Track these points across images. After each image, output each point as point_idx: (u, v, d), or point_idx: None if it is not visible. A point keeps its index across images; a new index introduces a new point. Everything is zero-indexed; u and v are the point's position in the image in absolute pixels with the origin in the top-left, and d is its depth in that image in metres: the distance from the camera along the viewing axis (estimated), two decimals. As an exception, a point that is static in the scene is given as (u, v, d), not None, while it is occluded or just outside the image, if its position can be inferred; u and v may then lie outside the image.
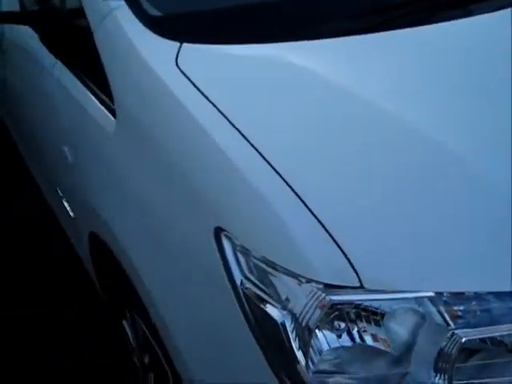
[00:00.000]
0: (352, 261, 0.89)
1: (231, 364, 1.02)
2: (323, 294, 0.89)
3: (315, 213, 0.92)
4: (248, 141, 0.99)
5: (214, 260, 0.98)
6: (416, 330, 0.90)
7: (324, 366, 0.92)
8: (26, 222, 2.53)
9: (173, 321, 1.12)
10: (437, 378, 0.90)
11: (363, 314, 0.91)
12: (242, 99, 1.08)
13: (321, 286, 0.89)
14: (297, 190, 0.94)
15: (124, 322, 1.68)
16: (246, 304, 0.95)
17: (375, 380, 0.92)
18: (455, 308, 0.90)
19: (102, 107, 1.33)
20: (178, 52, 1.16)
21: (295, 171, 0.97)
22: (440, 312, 0.89)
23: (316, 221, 0.91)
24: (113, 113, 1.28)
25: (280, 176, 0.96)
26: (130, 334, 1.65)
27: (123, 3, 1.26)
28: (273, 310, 0.93)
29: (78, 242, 1.95)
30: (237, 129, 1.02)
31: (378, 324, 0.90)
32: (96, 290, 1.87)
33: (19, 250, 2.40)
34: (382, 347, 0.90)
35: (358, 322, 0.91)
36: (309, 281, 0.90)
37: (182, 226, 1.05)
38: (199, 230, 1.01)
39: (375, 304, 0.90)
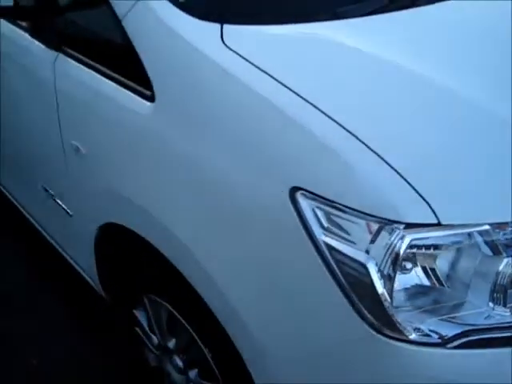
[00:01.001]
0: (428, 200, 0.99)
1: (314, 325, 1.08)
2: (405, 234, 0.98)
3: (389, 161, 1.01)
4: (317, 107, 1.07)
5: (290, 219, 1.05)
6: (471, 261, 1.02)
7: (405, 304, 1.02)
8: None
9: (243, 296, 1.17)
10: (493, 305, 1.02)
11: (427, 251, 1.01)
12: (297, 69, 1.15)
13: (402, 226, 0.98)
14: (370, 145, 1.03)
15: (136, 312, 1.69)
16: (328, 254, 1.02)
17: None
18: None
19: (130, 93, 1.35)
20: (222, 33, 1.22)
21: (363, 125, 1.06)
22: (493, 242, 1.01)
23: (391, 167, 1.01)
24: (145, 97, 1.31)
25: (348, 131, 1.05)
26: (145, 323, 1.67)
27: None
28: (356, 254, 1.01)
29: (70, 240, 1.93)
30: (297, 94, 1.09)
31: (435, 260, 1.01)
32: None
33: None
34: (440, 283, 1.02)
35: (422, 259, 1.01)
36: (390, 222, 0.98)
37: (254, 192, 1.10)
38: (273, 192, 1.07)
39: (450, 239, 1.00)
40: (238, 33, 1.23)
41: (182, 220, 1.26)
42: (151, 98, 1.30)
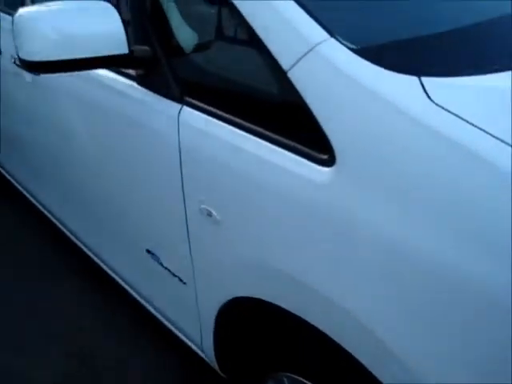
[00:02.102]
0: None
1: None
2: None
3: None
4: None
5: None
6: None
7: None
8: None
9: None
10: None
11: None
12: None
13: None
14: None
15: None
16: None
17: None
18: None
19: (291, 154, 1.17)
20: (424, 87, 1.03)
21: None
22: None
23: None
24: (317, 160, 1.12)
25: None
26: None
27: (328, 37, 1.12)
28: None
29: (179, 310, 1.74)
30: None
31: None
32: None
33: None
34: None
35: None
36: None
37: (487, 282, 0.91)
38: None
39: None
40: (441, 86, 1.05)
41: (367, 306, 1.06)
42: (327, 162, 1.11)
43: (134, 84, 1.57)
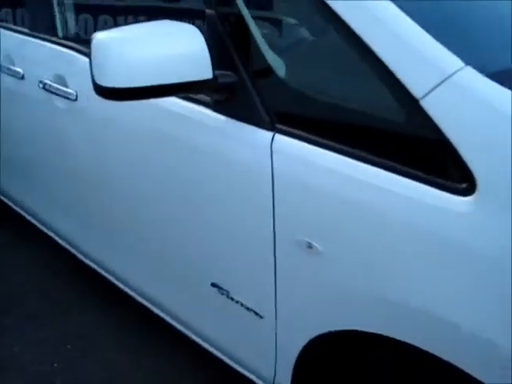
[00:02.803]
0: None
1: None
2: None
3: None
4: None
5: None
6: None
7: None
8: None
9: None
10: None
11: None
12: None
13: None
14: None
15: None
16: None
17: None
18: None
19: (423, 184, 1.12)
20: None
21: None
22: None
23: None
24: (451, 189, 1.09)
25: None
26: None
27: (463, 65, 1.09)
28: None
29: (250, 347, 1.65)
30: None
31: None
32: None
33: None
34: None
35: None
36: None
37: None
38: None
39: None
40: None
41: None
42: (465, 191, 1.07)
43: (209, 111, 1.50)
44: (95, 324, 2.37)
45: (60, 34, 2.07)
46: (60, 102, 2.01)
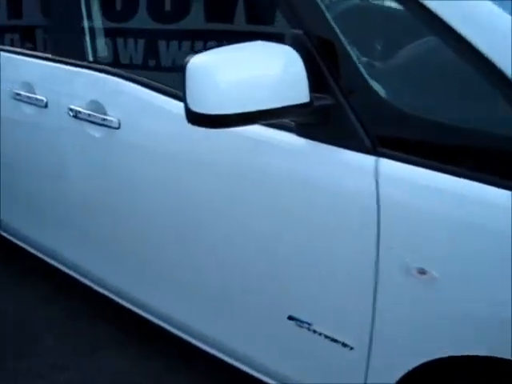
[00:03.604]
0: None
1: None
2: None
3: None
4: None
5: None
6: None
7: None
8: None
9: None
10: None
11: None
12: None
13: None
14: None
15: None
16: None
17: None
18: None
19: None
20: None
21: None
22: None
23: None
24: None
25: None
26: None
27: None
28: None
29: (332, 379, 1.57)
30: None
31: None
32: None
33: None
34: None
35: None
36: None
37: None
38: None
39: None
40: None
41: None
42: None
43: (293, 136, 1.43)
44: (131, 365, 2.19)
45: (90, 57, 1.96)
46: (96, 131, 1.89)
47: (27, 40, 2.24)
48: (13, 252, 2.66)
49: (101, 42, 1.97)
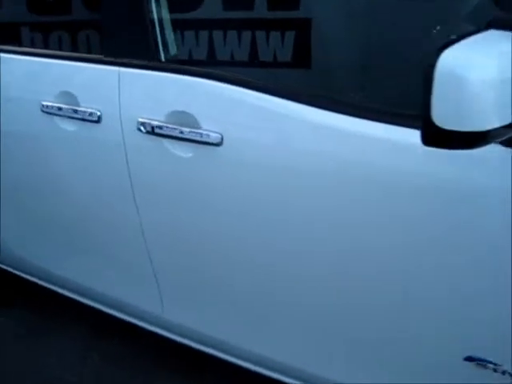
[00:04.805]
0: None
1: None
2: None
3: None
4: None
5: None
6: None
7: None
8: None
9: None
10: None
11: None
12: None
13: None
14: None
15: None
16: None
17: None
18: None
19: None
20: None
21: None
22: None
23: None
24: None
25: None
26: None
27: None
28: None
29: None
30: None
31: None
32: None
33: None
34: None
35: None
36: None
37: None
38: None
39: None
40: None
41: None
42: None
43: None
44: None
45: (162, 57, 1.56)
46: (182, 150, 1.50)
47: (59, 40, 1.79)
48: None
49: (169, 37, 1.58)
